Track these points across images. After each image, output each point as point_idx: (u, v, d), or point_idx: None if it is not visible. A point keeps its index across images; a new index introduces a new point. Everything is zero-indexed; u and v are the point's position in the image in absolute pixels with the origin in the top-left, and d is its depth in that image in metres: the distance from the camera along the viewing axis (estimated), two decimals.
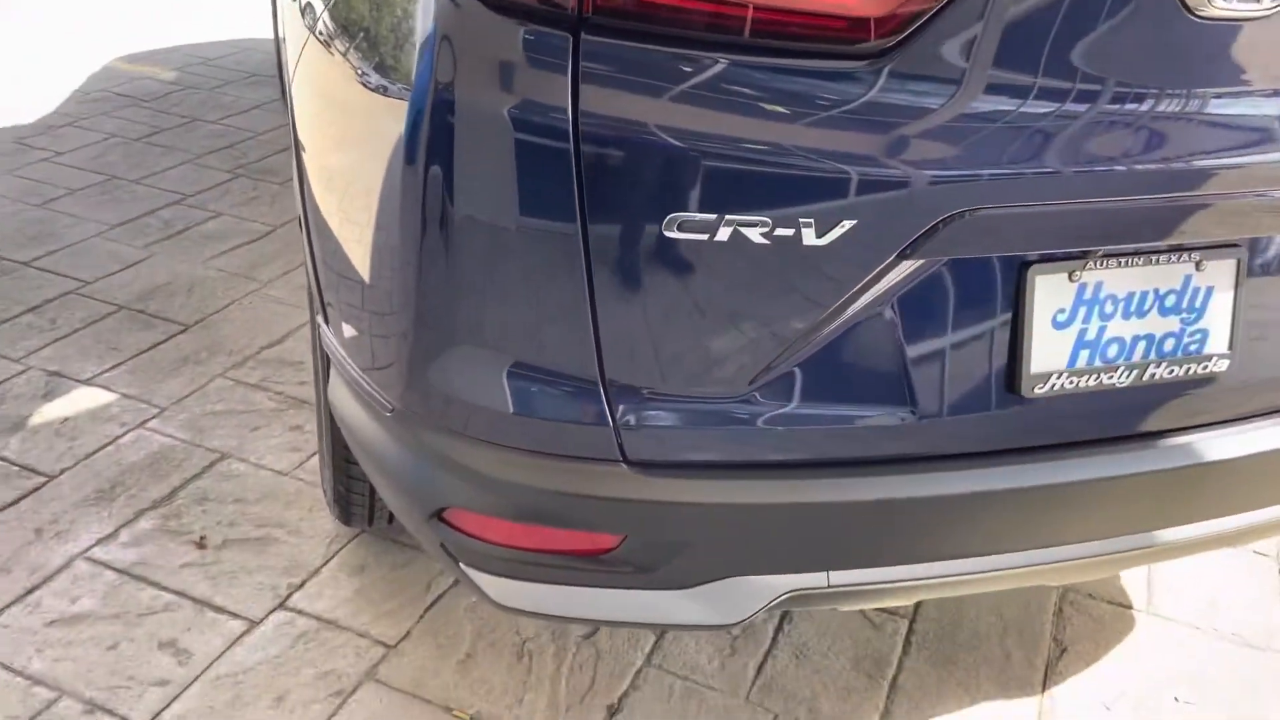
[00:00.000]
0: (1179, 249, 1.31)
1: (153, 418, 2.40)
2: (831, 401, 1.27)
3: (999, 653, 1.90)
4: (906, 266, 1.20)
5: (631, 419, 1.24)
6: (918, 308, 1.24)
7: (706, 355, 1.22)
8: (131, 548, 2.03)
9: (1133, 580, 2.07)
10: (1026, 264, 1.26)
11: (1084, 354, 1.31)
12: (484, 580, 1.37)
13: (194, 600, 1.92)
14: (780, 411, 1.26)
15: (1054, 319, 1.29)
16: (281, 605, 1.91)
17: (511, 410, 1.25)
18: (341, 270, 1.45)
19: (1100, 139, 1.20)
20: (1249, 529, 1.48)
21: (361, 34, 1.39)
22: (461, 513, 1.33)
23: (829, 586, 1.35)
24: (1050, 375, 1.30)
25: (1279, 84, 1.24)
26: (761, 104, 1.13)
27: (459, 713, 1.73)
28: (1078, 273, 1.28)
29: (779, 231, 1.15)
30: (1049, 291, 1.28)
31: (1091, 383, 1.32)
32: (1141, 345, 1.34)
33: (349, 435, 1.51)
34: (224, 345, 2.69)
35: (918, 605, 1.99)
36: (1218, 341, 1.36)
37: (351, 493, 1.90)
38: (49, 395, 2.47)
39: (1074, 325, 1.30)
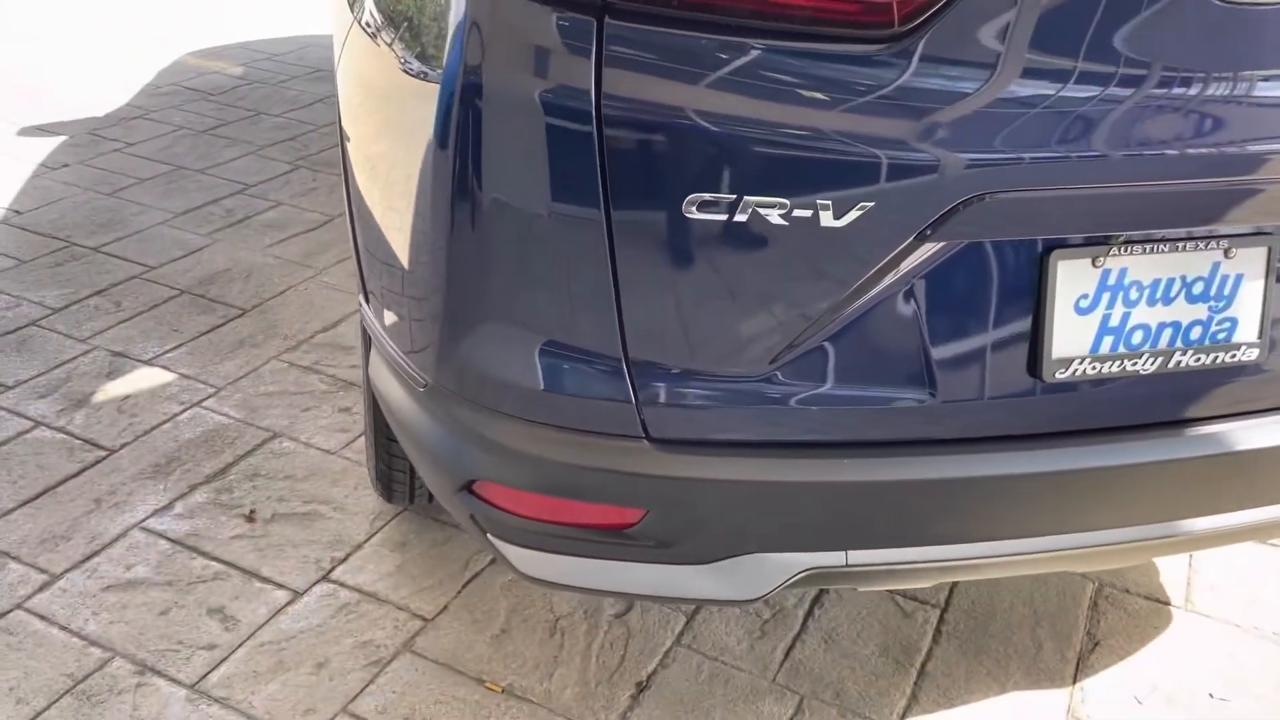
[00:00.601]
0: (1208, 236, 1.30)
1: (209, 397, 2.49)
2: (851, 382, 1.28)
3: (1030, 644, 1.90)
4: (926, 249, 1.21)
5: (654, 396, 1.27)
6: (938, 290, 1.25)
7: (726, 334, 1.25)
8: (185, 519, 2.11)
9: (1171, 576, 2.05)
10: (1049, 248, 1.26)
11: (1107, 340, 1.31)
12: (509, 551, 1.41)
13: (242, 570, 1.99)
14: (801, 391, 1.28)
15: (1076, 304, 1.29)
16: (325, 578, 1.98)
17: (538, 387, 1.28)
18: (379, 252, 1.50)
19: (1122, 123, 1.19)
20: (1276, 523, 1.46)
21: (400, 22, 1.44)
22: (490, 485, 1.38)
23: (847, 565, 1.36)
24: (1072, 360, 1.30)
25: None
26: (779, 87, 1.15)
27: (491, 685, 1.77)
28: (1101, 258, 1.28)
29: (797, 213, 1.17)
30: (1071, 277, 1.28)
31: (1115, 369, 1.32)
32: (1167, 333, 1.33)
33: (386, 410, 1.56)
34: (279, 329, 2.77)
35: (949, 595, 1.99)
36: (1247, 330, 1.35)
37: (393, 470, 1.96)
38: (112, 374, 2.57)
39: (1097, 311, 1.30)
